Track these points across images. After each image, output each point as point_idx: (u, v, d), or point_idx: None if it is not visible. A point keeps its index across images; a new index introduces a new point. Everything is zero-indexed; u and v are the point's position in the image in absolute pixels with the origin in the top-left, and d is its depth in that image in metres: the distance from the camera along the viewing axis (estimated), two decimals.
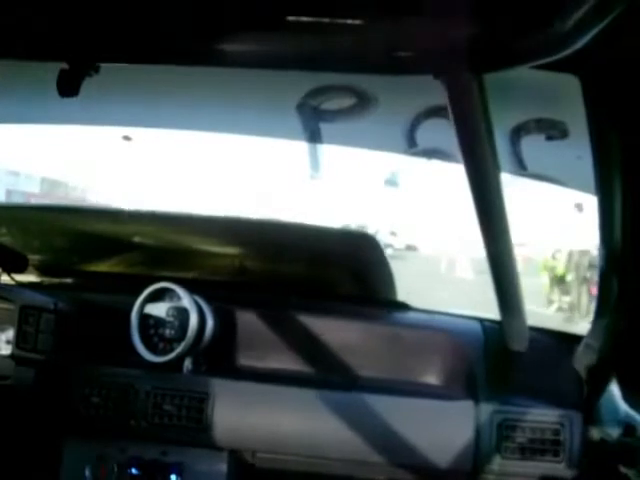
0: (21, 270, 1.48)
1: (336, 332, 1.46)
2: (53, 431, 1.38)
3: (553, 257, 10.79)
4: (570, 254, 10.24)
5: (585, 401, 1.28)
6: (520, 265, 0.98)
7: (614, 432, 1.18)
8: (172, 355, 1.35)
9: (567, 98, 0.90)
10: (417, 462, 1.28)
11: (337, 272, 1.69)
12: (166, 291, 1.40)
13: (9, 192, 11.92)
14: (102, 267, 1.79)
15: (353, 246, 1.65)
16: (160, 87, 1.23)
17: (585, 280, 9.32)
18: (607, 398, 1.24)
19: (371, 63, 0.60)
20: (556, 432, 1.26)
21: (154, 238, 1.77)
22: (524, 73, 0.70)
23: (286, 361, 1.45)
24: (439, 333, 1.46)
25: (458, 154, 0.71)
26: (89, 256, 1.77)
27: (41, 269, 1.64)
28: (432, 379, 1.42)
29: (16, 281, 1.48)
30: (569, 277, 9.99)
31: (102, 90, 0.83)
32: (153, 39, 0.62)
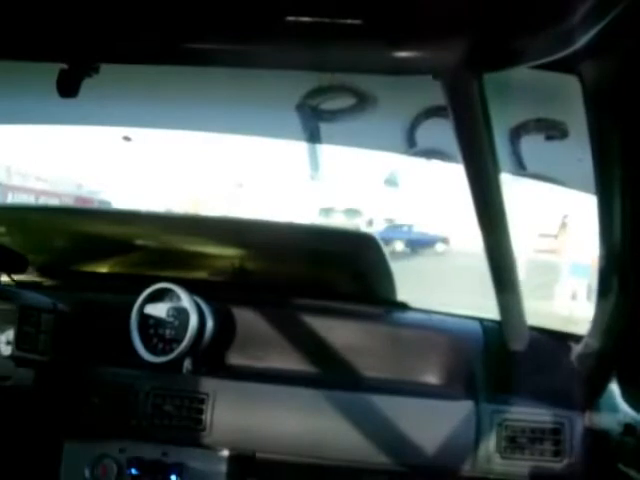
0: (21, 270, 1.48)
1: (336, 332, 1.46)
2: (53, 431, 1.38)
3: None
4: None
5: (585, 400, 1.28)
6: None
7: (614, 431, 1.18)
8: (172, 355, 1.35)
9: (567, 98, 0.90)
10: (417, 462, 1.28)
11: (337, 272, 1.69)
12: (166, 291, 1.41)
13: None
14: (102, 267, 1.79)
15: (353, 246, 1.65)
16: (160, 87, 1.23)
17: None
18: (607, 397, 1.25)
19: (371, 63, 0.60)
20: (556, 431, 1.27)
21: (154, 239, 1.78)
22: (524, 73, 0.70)
23: (286, 361, 1.45)
24: (439, 333, 1.46)
25: (458, 154, 0.71)
26: (89, 256, 1.77)
27: (41, 269, 1.64)
28: (432, 379, 1.42)
29: (16, 282, 1.48)
30: None
31: (102, 90, 0.83)
32: (153, 39, 0.62)
